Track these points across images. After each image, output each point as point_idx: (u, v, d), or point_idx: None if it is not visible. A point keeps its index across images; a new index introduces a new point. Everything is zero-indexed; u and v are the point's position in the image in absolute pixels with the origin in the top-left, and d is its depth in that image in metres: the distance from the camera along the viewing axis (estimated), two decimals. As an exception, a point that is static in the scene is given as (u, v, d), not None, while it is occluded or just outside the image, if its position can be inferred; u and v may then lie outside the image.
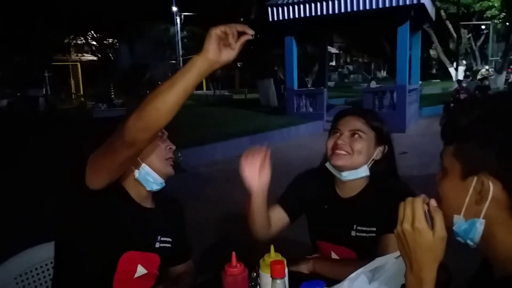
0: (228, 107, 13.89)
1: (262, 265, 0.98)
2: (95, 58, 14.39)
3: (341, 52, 37.41)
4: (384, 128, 1.39)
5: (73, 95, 20.39)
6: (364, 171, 1.36)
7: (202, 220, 4.27)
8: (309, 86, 15.83)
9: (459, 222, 0.74)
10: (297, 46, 11.32)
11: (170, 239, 1.38)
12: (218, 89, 20.95)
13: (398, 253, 0.99)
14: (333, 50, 31.74)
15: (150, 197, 1.36)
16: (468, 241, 0.74)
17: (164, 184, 1.33)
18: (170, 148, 1.33)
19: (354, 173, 1.36)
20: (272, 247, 1.02)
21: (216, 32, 0.98)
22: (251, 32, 1.02)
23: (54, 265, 1.35)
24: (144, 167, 1.27)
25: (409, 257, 0.75)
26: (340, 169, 1.36)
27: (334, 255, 1.41)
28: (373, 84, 14.58)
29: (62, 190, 1.26)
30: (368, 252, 1.26)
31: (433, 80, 27.07)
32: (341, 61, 39.94)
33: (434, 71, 33.57)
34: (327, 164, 1.42)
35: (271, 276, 0.84)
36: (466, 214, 0.73)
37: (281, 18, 10.67)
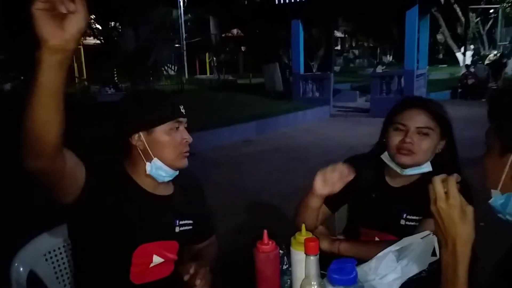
0: (233, 91, 13.81)
1: (294, 242, 0.99)
2: (98, 41, 14.25)
3: (346, 36, 36.96)
4: (447, 122, 1.34)
5: (76, 79, 20.30)
6: (427, 167, 1.32)
7: (211, 204, 4.28)
8: (314, 70, 15.69)
9: (496, 196, 0.77)
10: (303, 30, 11.19)
11: (191, 221, 1.35)
12: (222, 74, 20.83)
13: (424, 233, 1.02)
14: (338, 34, 31.37)
15: (165, 184, 1.32)
16: (508, 217, 0.77)
17: (177, 172, 1.29)
18: (186, 141, 1.24)
19: (417, 169, 1.32)
20: (303, 226, 1.02)
21: (37, 7, 0.74)
22: None
23: (72, 260, 1.36)
24: (156, 161, 1.21)
25: (445, 234, 0.77)
26: (404, 166, 1.32)
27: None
28: (380, 69, 14.47)
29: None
30: None
31: (440, 65, 26.76)
32: (347, 46, 39.51)
33: (441, 56, 33.18)
34: (384, 156, 1.37)
35: (305, 253, 0.85)
36: (503, 188, 0.76)
37: (287, 1, 10.52)
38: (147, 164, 1.21)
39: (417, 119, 1.28)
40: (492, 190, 0.78)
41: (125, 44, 10.64)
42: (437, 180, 0.80)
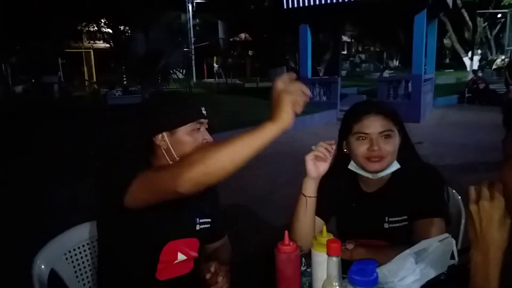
0: (240, 95, 13.86)
1: (315, 244, 1.01)
2: (107, 45, 14.41)
3: (353, 40, 36.94)
4: (399, 116, 1.36)
5: (86, 82, 20.56)
6: (395, 165, 1.35)
7: (223, 206, 4.31)
8: (321, 75, 15.70)
9: None
10: (311, 34, 11.22)
11: (209, 219, 1.40)
12: (229, 78, 20.92)
13: (442, 236, 1.02)
14: (344, 38, 31.37)
15: None
16: None
17: None
18: (206, 141, 1.27)
19: (387, 170, 1.34)
20: (324, 227, 1.04)
21: (288, 92, 0.99)
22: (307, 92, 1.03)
23: (97, 259, 1.39)
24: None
25: (480, 235, 0.76)
26: (375, 173, 1.34)
27: None
28: (386, 73, 14.42)
29: (99, 200, 1.26)
30: (403, 240, 1.26)
31: (447, 70, 26.66)
32: (353, 50, 39.48)
33: (447, 60, 33.04)
34: (352, 166, 1.39)
35: (327, 254, 0.87)
36: None
37: (295, 5, 10.56)
38: (171, 163, 1.25)
39: (378, 125, 1.30)
40: None
41: (134, 48, 10.75)
42: (486, 182, 0.79)
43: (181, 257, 1.30)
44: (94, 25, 17.94)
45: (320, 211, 1.43)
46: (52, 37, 14.79)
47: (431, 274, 0.97)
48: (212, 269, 1.15)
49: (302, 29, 10.99)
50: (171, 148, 1.24)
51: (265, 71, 15.77)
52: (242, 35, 21.23)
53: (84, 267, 1.50)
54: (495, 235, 0.75)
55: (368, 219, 1.36)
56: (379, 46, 35.25)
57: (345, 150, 1.39)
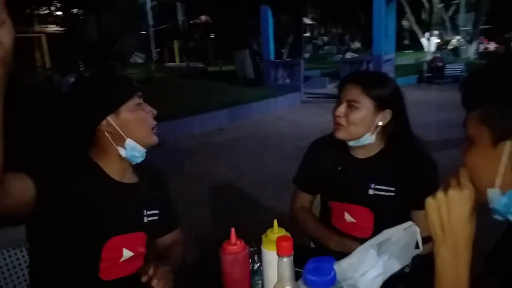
0: (203, 79, 13.57)
1: (265, 241, 0.90)
2: (61, 29, 13.64)
3: (315, 23, 37.03)
4: (384, 94, 1.32)
5: (37, 68, 19.44)
6: (367, 139, 1.33)
7: (183, 195, 4.17)
8: (284, 57, 15.61)
9: (496, 196, 0.65)
10: (272, 16, 11.06)
11: (157, 211, 1.29)
12: (191, 61, 20.43)
13: (406, 224, 0.95)
14: (307, 21, 31.37)
15: (131, 171, 1.26)
16: (510, 216, 0.65)
17: (145, 154, 1.24)
18: (152, 113, 1.22)
19: (358, 141, 1.34)
20: (275, 222, 0.93)
21: None
22: None
23: (30, 261, 1.24)
24: (129, 142, 1.17)
25: (447, 228, 0.67)
26: (340, 139, 1.35)
27: (347, 216, 1.39)
28: (349, 55, 14.55)
29: None
30: (387, 212, 1.30)
31: (406, 51, 27.26)
32: (316, 32, 39.61)
33: (406, 42, 33.80)
34: None
35: (277, 254, 0.75)
36: (503, 186, 0.64)
37: (256, -14, 10.34)
38: (119, 148, 1.16)
39: (348, 93, 1.32)
40: (488, 190, 0.65)
41: (88, 32, 10.19)
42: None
43: (127, 253, 1.19)
44: (44, 8, 16.93)
45: (305, 186, 1.51)
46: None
47: (395, 266, 0.89)
48: (150, 272, 1.04)
49: (263, 11, 10.81)
50: (119, 130, 1.15)
51: (228, 54, 15.46)
52: (203, 17, 20.71)
53: (16, 272, 1.33)
54: (466, 227, 0.66)
55: (352, 183, 1.36)
56: (341, 28, 35.51)
57: None
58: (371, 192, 1.34)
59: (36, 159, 1.10)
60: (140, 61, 16.10)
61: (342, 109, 1.32)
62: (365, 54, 17.41)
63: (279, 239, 0.77)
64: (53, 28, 19.11)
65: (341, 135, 1.33)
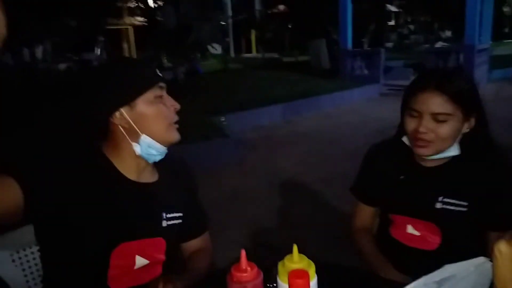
0: (277, 69, 13.41)
1: (281, 271, 0.71)
2: (144, 21, 14.41)
3: (401, 10, 34.87)
4: (471, 98, 1.13)
5: (126, 59, 20.88)
6: (453, 151, 1.15)
7: (240, 190, 4.06)
8: (365, 47, 14.87)
9: None
10: (352, 3, 10.48)
11: (180, 214, 1.14)
12: (267, 52, 20.41)
13: (478, 260, 0.72)
14: (392, 8, 29.62)
15: (150, 169, 1.11)
16: None
17: (167, 151, 1.09)
18: (174, 108, 1.08)
19: (442, 154, 1.16)
20: (295, 247, 0.71)
21: None
22: None
23: (42, 263, 1.16)
24: (145, 138, 1.03)
25: None
26: (424, 156, 1.17)
27: (410, 229, 1.23)
28: (439, 45, 13.37)
29: None
30: (456, 229, 1.16)
31: (506, 40, 24.51)
32: (401, 21, 37.32)
33: (506, 30, 30.41)
34: (405, 140, 1.22)
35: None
36: None
37: (335, -29, 9.85)
38: (134, 144, 1.04)
39: (431, 104, 1.09)
40: None
41: (165, 22, 10.54)
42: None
43: (140, 261, 1.06)
44: (134, 1, 17.98)
45: (365, 198, 1.37)
46: (92, 16, 14.97)
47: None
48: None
49: (342, -2, 10.28)
50: (134, 125, 1.02)
51: (305, 44, 15.13)
52: (281, 7, 20.49)
53: (37, 270, 1.27)
54: None
55: (416, 195, 1.21)
56: (430, 16, 32.98)
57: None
58: (438, 205, 1.16)
59: (30, 157, 0.98)
60: (217, 51, 16.45)
61: (428, 124, 1.10)
62: (456, 43, 15.93)
63: (293, 274, 0.60)
64: (139, 20, 20.28)
65: (428, 151, 1.13)
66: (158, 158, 1.09)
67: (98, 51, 17.77)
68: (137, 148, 1.04)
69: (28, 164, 0.96)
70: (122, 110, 1.02)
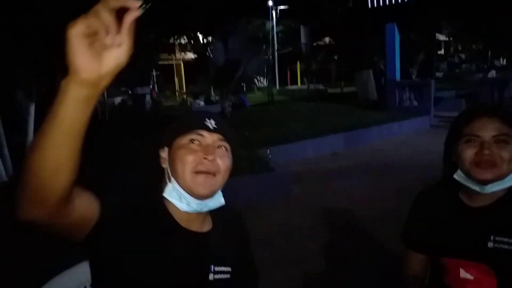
0: (322, 101, 13.37)
1: None
2: (195, 56, 15.07)
3: (451, 39, 33.91)
4: None
5: (176, 92, 21.78)
6: (510, 180, 1.13)
7: (285, 226, 3.99)
8: (414, 77, 14.50)
9: None
10: (399, 33, 10.36)
11: (229, 268, 1.09)
12: (312, 83, 20.48)
13: None
14: (441, 37, 28.90)
15: (202, 218, 1.08)
16: None
17: (202, 206, 1.03)
18: (204, 157, 0.99)
19: (500, 183, 1.13)
20: None
21: (76, 32, 0.60)
22: (135, 4, 0.61)
23: None
24: (173, 183, 1.01)
25: None
26: (485, 182, 1.13)
27: (463, 273, 1.19)
28: (492, 74, 12.78)
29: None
30: (510, 269, 1.11)
31: None
32: (452, 49, 36.23)
33: None
34: (458, 176, 1.19)
35: None
36: None
37: (380, 3, 9.83)
38: (168, 185, 1.02)
39: (491, 128, 1.11)
40: None
41: (214, 57, 10.96)
42: None
43: None
44: (185, 37, 18.92)
45: (417, 246, 1.33)
46: (146, 52, 15.84)
47: None
48: None
49: (389, 29, 10.20)
50: (168, 167, 1.03)
51: (351, 75, 15.06)
52: (326, 39, 20.66)
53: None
54: None
55: (467, 237, 1.18)
56: (482, 43, 31.78)
57: (452, 159, 1.22)
58: (490, 245, 1.13)
59: (112, 182, 1.01)
60: (263, 84, 16.74)
61: (491, 147, 1.11)
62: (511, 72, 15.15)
63: None
64: (190, 55, 21.27)
65: (492, 175, 1.11)
66: (189, 208, 1.03)
67: (151, 85, 18.74)
68: (166, 190, 1.02)
69: (110, 192, 0.97)
70: (166, 148, 1.04)
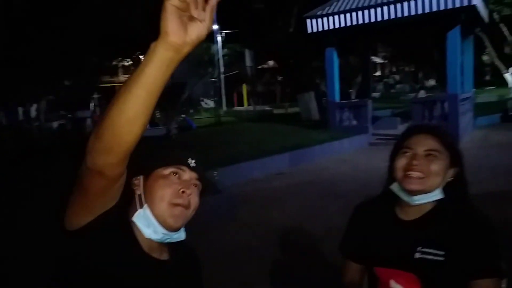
0: (268, 122, 13.66)
1: None
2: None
3: (386, 61, 36.31)
4: (457, 148, 1.28)
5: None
6: (437, 194, 1.23)
7: (232, 246, 4.00)
8: (352, 98, 15.28)
9: None
10: (338, 57, 10.94)
11: None
12: (258, 104, 20.90)
13: None
14: (377, 60, 30.85)
15: (161, 248, 1.08)
16: None
17: (167, 237, 1.05)
18: (182, 190, 1.03)
19: (427, 196, 1.23)
20: None
21: (172, 3, 0.72)
22: None
23: None
24: (145, 209, 1.02)
25: None
26: (413, 193, 1.23)
27: (393, 283, 1.26)
28: (422, 94, 13.83)
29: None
30: (435, 279, 1.18)
31: (488, 87, 25.40)
32: (386, 71, 38.72)
33: (488, 77, 31.58)
34: (393, 187, 1.29)
35: None
36: None
37: (320, 29, 10.36)
38: (138, 210, 1.03)
39: (425, 143, 1.23)
40: None
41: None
42: None
43: None
44: (128, 59, 18.59)
45: (354, 256, 1.41)
46: (89, 73, 15.34)
47: None
48: None
49: (328, 53, 10.74)
50: (142, 194, 1.04)
51: (295, 96, 15.58)
52: (270, 62, 21.28)
53: None
54: None
55: (396, 247, 1.26)
56: (414, 66, 34.34)
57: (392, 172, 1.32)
58: (417, 255, 1.21)
59: None
60: (210, 106, 16.79)
61: (421, 159, 1.22)
62: (441, 92, 16.49)
63: None
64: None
65: (418, 186, 1.21)
66: (154, 236, 1.03)
67: (92, 108, 18.11)
68: (135, 214, 1.02)
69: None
70: (141, 177, 1.06)
